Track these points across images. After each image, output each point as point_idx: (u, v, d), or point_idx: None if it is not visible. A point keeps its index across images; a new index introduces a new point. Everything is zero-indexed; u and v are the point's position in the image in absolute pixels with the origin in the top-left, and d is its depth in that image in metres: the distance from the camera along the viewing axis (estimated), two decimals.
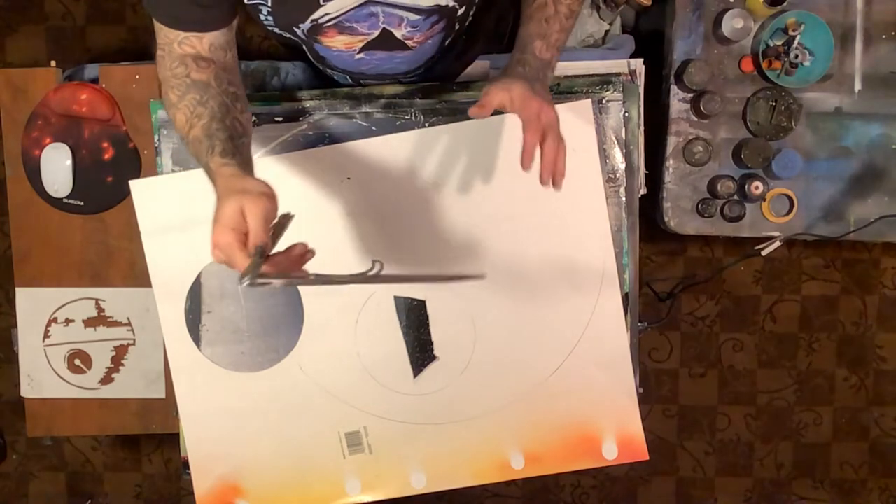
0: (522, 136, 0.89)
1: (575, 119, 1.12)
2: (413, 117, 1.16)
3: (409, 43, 0.99)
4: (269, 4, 0.90)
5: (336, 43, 0.97)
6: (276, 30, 0.99)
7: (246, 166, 0.88)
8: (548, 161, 0.91)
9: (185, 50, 0.92)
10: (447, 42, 1.03)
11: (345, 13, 0.91)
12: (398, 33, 0.96)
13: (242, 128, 0.93)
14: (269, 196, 0.81)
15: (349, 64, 1.04)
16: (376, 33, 0.95)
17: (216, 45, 0.93)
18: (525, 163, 0.90)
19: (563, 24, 0.96)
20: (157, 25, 0.92)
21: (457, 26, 1.00)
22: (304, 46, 1.06)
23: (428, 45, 1.01)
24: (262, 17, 0.94)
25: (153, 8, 0.90)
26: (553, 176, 0.91)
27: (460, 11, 0.96)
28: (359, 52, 0.99)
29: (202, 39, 0.92)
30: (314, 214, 1.14)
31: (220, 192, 0.85)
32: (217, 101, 0.91)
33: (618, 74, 1.16)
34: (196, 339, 1.17)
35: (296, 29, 0.96)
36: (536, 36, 0.95)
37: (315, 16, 0.91)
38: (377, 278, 0.91)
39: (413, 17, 0.93)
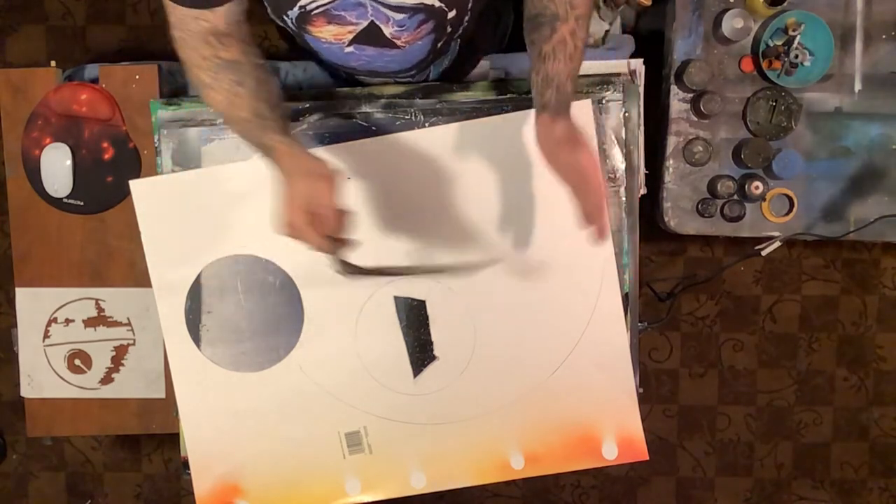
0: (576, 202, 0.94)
1: (575, 119, 1.12)
2: (413, 117, 1.16)
3: (398, 42, 0.99)
4: None
5: (325, 33, 0.98)
6: (269, 11, 0.99)
7: (299, 140, 0.93)
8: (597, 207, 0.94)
9: (201, 26, 0.91)
10: (439, 45, 1.03)
11: (332, 2, 0.92)
12: (386, 31, 0.96)
13: (279, 98, 0.95)
14: (332, 177, 0.88)
15: (339, 58, 1.04)
16: (364, 24, 0.95)
17: (231, 18, 0.93)
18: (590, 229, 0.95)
19: (580, 60, 0.96)
20: (169, 4, 0.91)
21: (448, 29, 1.00)
22: (298, 41, 1.07)
23: (418, 45, 1.01)
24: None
25: None
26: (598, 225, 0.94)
27: (450, 14, 0.96)
28: (348, 45, 1.00)
29: (216, 13, 0.91)
30: None
31: (287, 170, 0.89)
32: (253, 78, 0.93)
33: (618, 74, 1.16)
34: (196, 339, 1.17)
35: (285, 17, 0.96)
36: (567, 77, 0.95)
37: (303, 2, 0.92)
38: (420, 269, 0.99)
39: (398, 16, 0.94)
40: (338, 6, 0.93)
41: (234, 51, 0.92)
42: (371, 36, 0.97)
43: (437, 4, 0.93)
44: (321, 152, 1.14)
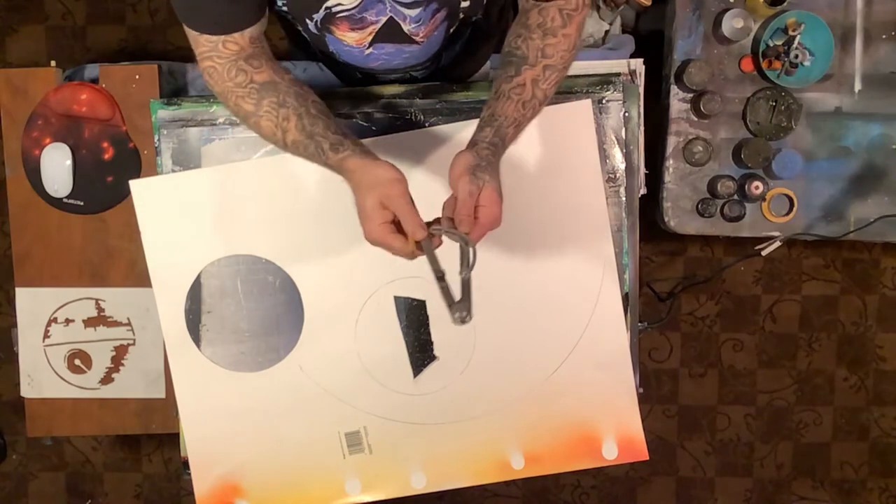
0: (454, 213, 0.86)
1: (575, 119, 1.12)
2: (413, 117, 1.16)
3: (417, 38, 0.98)
4: None
5: (347, 38, 0.97)
6: (290, 17, 0.98)
7: (357, 145, 0.90)
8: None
9: (230, 49, 0.91)
10: (451, 31, 1.03)
11: (357, 5, 0.91)
12: (405, 27, 0.96)
13: (321, 105, 0.95)
14: (400, 179, 0.85)
15: (359, 60, 1.03)
16: (384, 20, 0.95)
17: (255, 35, 0.93)
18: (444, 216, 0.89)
19: (535, 110, 0.93)
20: (195, 35, 0.90)
21: (461, 16, 1.00)
22: (313, 44, 1.06)
23: (434, 36, 1.00)
24: (279, 4, 0.94)
25: (192, 19, 0.89)
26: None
27: (464, 4, 0.96)
28: (368, 47, 0.99)
29: (243, 35, 0.91)
30: (314, 214, 1.14)
31: (354, 187, 0.88)
32: (293, 95, 0.92)
33: (618, 74, 1.16)
34: (196, 339, 1.17)
35: (308, 21, 0.95)
36: (513, 122, 0.91)
37: (329, 3, 0.91)
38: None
39: (413, 12, 0.93)
40: (360, 9, 0.92)
41: (266, 71, 0.92)
42: (391, 33, 0.97)
43: None
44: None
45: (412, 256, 0.86)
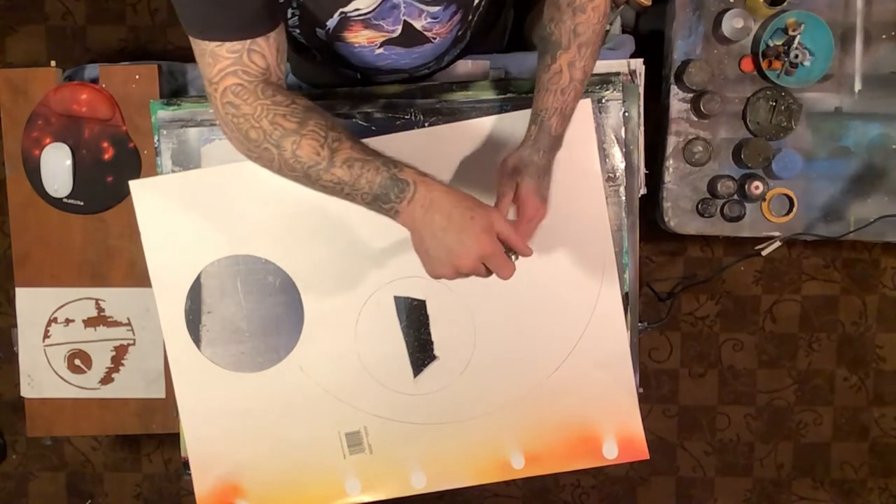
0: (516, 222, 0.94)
1: (575, 118, 1.12)
2: (413, 117, 1.16)
3: (429, 35, 0.97)
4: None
5: (360, 38, 0.95)
6: (297, 31, 0.97)
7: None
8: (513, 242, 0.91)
9: (257, 65, 0.82)
10: (459, 33, 1.03)
11: (374, 10, 0.90)
12: (417, 24, 0.94)
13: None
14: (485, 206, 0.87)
15: (368, 60, 1.02)
16: (399, 29, 0.94)
17: (281, 46, 0.85)
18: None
19: (577, 90, 0.95)
20: (214, 49, 0.80)
21: (470, 17, 1.00)
22: (315, 53, 1.05)
23: (447, 37, 1.00)
24: (288, 16, 0.92)
25: (214, 24, 0.79)
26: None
27: (476, 1, 0.96)
28: (379, 47, 0.99)
29: (269, 41, 0.82)
30: (314, 214, 1.14)
31: (441, 205, 0.83)
32: (342, 126, 0.85)
33: (617, 74, 1.16)
34: (196, 339, 1.17)
35: (319, 30, 0.93)
36: (554, 111, 0.95)
37: (346, 9, 0.88)
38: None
39: (433, 8, 0.92)
40: (376, 15, 0.91)
41: (307, 101, 0.85)
42: (404, 37, 0.96)
43: None
44: None
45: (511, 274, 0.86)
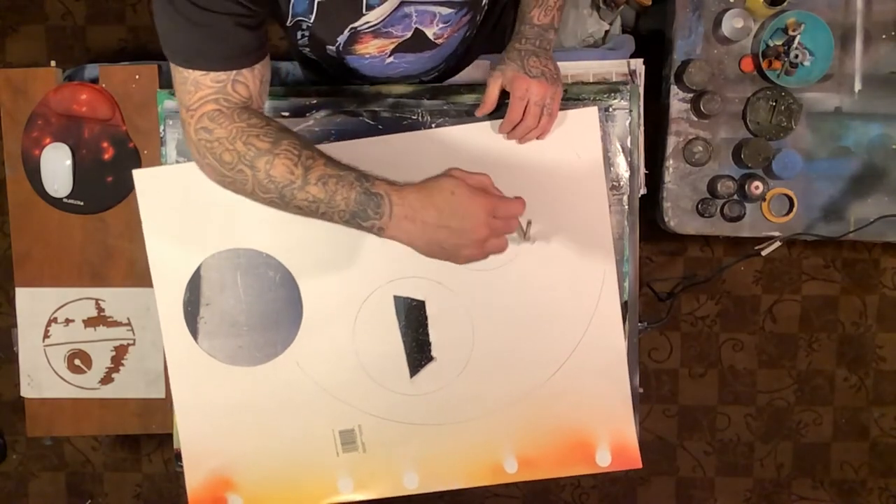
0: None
1: (581, 126, 1.12)
2: (420, 117, 1.16)
3: (439, 41, 0.98)
4: (312, 20, 0.86)
5: (370, 48, 0.95)
6: (307, 50, 0.96)
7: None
8: (522, 128, 1.02)
9: (239, 94, 0.81)
10: (466, 34, 1.03)
11: (384, 20, 0.89)
12: (430, 31, 0.94)
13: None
14: (483, 178, 0.87)
15: (378, 70, 1.02)
16: (409, 34, 0.94)
17: (265, 77, 0.84)
18: (501, 128, 1.06)
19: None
20: (197, 78, 0.79)
21: (477, 18, 1.00)
22: (326, 67, 1.04)
23: (454, 38, 1.00)
24: (297, 37, 0.91)
25: (201, 53, 0.78)
26: (532, 133, 1.03)
27: (484, 1, 0.96)
28: (389, 56, 0.98)
29: (254, 72, 0.82)
30: None
31: (420, 204, 0.81)
32: (314, 148, 0.84)
33: (625, 83, 1.16)
34: (194, 331, 1.17)
35: (329, 47, 0.93)
36: (534, 4, 1.00)
37: (355, 24, 0.88)
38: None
39: (446, 11, 0.92)
40: (386, 24, 0.90)
41: (276, 123, 0.84)
42: (414, 42, 0.96)
43: None
44: (327, 149, 1.13)
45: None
